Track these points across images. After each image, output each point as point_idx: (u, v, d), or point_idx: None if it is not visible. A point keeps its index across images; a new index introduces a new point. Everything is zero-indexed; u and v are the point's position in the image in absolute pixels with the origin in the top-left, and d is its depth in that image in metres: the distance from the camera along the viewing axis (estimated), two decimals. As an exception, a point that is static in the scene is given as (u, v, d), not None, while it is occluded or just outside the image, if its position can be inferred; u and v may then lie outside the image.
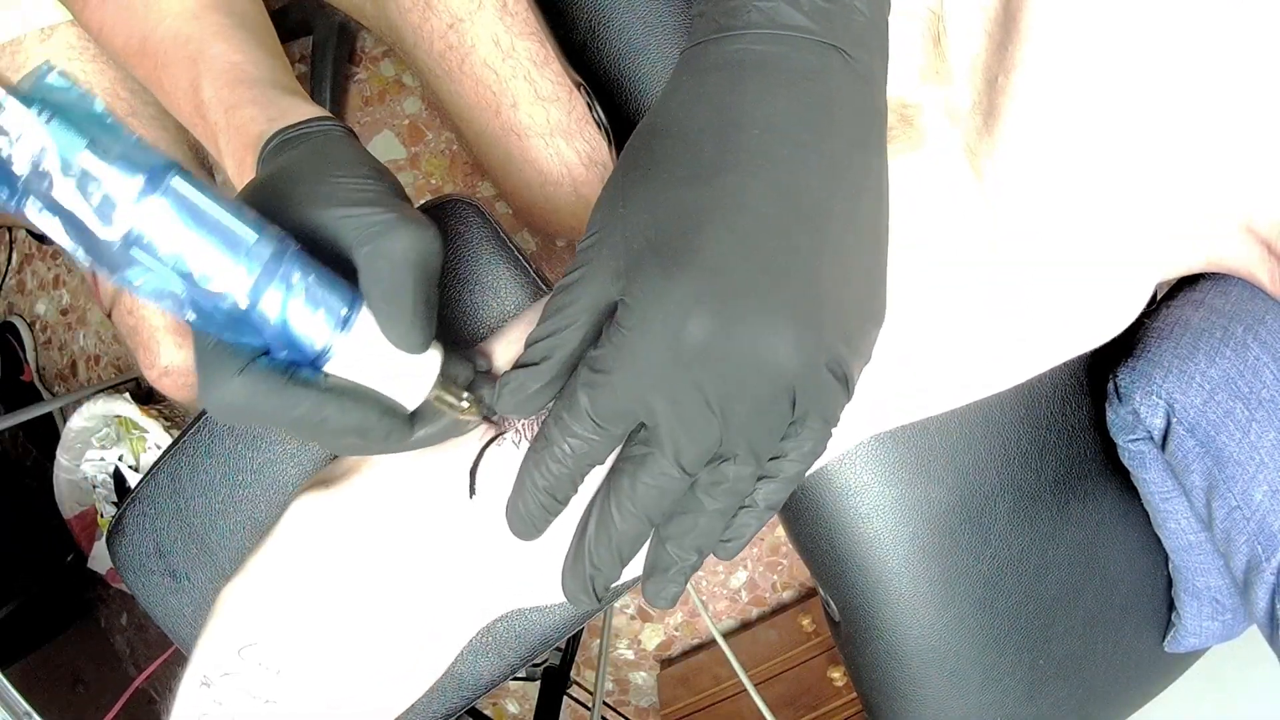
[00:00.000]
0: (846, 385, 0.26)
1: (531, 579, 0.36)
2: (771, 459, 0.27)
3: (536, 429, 0.32)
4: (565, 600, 0.36)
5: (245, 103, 0.35)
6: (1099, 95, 0.30)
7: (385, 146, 1.19)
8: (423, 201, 0.42)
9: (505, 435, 0.34)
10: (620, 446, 0.27)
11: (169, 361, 0.62)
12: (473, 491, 0.34)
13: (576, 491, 0.28)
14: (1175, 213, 0.34)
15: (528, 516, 0.27)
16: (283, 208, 0.28)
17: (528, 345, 0.28)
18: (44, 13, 0.57)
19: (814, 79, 0.25)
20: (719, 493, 0.26)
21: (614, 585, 0.29)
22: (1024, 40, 0.30)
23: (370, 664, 0.36)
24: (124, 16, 0.41)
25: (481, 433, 0.34)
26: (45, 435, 1.17)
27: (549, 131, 0.52)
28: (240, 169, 0.35)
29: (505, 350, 0.35)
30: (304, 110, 0.34)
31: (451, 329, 0.42)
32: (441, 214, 0.42)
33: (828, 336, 0.24)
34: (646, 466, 0.26)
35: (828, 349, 0.25)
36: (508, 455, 0.34)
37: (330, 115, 0.34)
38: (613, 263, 0.25)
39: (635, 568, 0.36)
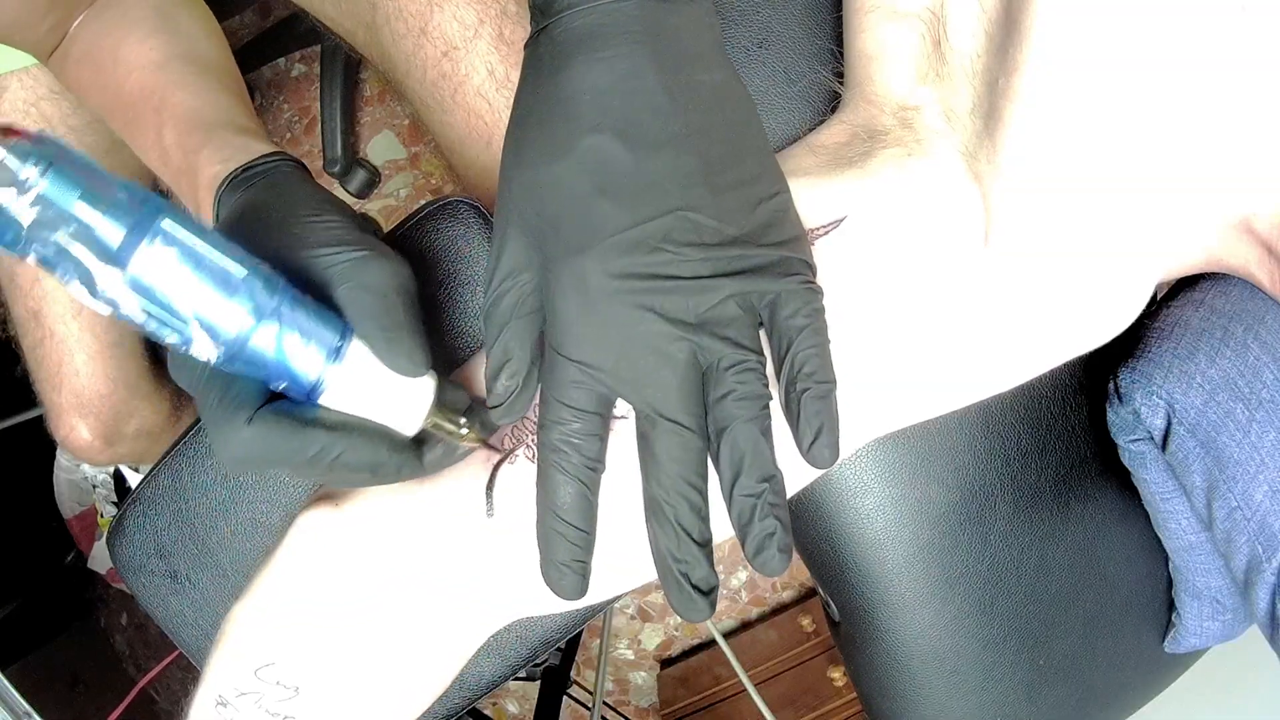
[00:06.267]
0: (785, 246, 0.28)
1: (541, 592, 0.36)
2: (785, 345, 0.27)
3: None
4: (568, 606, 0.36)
5: (202, 145, 0.37)
6: (1100, 97, 0.30)
7: (385, 146, 1.19)
8: (423, 201, 0.42)
9: (518, 453, 0.34)
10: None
11: (64, 436, 0.69)
12: (490, 510, 0.34)
13: (595, 508, 0.28)
14: (1174, 214, 0.34)
15: (564, 565, 0.27)
16: (254, 248, 0.29)
17: (486, 352, 0.29)
18: (21, 55, 0.57)
19: (624, 32, 0.28)
20: (732, 398, 0.26)
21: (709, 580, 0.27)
22: (1025, 41, 0.30)
23: (384, 677, 0.36)
24: (97, 75, 0.43)
25: (489, 453, 0.34)
26: (45, 435, 1.17)
27: None
28: (199, 210, 0.37)
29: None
30: (257, 148, 0.36)
31: (452, 328, 0.42)
32: (441, 214, 0.42)
33: (711, 222, 0.27)
34: (648, 433, 0.27)
35: (717, 229, 0.27)
36: (520, 471, 0.34)
37: (283, 151, 0.36)
38: (524, 249, 0.29)
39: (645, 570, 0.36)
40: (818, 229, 0.33)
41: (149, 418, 0.73)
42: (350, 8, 0.50)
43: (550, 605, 0.37)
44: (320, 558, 0.35)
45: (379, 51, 0.51)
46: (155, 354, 0.74)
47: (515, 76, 0.49)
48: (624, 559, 0.35)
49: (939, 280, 0.33)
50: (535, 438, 0.33)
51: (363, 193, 1.18)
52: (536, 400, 0.30)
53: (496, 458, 0.35)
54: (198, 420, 0.44)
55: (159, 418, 0.74)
